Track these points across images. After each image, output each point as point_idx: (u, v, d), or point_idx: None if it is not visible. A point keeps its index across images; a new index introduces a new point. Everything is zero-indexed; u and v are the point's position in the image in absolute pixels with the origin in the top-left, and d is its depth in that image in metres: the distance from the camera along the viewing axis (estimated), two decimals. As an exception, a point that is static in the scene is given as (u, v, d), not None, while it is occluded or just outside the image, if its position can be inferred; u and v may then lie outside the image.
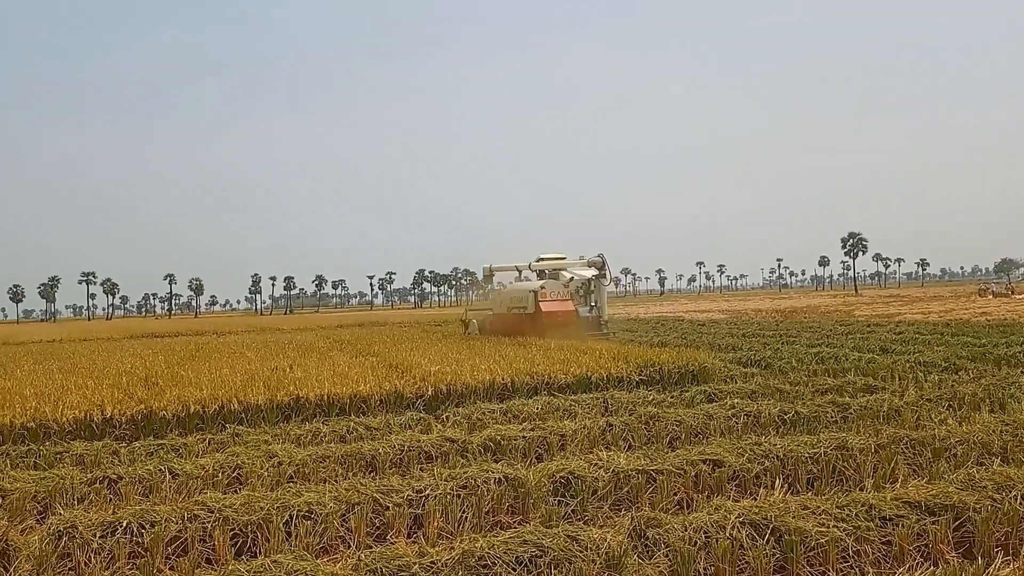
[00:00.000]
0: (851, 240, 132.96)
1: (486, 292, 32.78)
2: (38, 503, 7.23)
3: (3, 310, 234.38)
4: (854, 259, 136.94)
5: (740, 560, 5.27)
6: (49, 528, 6.04)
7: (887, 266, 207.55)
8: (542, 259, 28.65)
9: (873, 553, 5.46)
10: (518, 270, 29.57)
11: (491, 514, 6.56)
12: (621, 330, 32.83)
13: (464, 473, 7.10)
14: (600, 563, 5.10)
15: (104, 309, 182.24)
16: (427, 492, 6.68)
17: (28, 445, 9.70)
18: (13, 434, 10.09)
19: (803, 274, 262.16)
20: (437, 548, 5.35)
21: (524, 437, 9.01)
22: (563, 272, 27.50)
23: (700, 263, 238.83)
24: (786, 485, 7.08)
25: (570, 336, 22.23)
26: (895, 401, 10.54)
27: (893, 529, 5.61)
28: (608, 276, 27.13)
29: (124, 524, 6.02)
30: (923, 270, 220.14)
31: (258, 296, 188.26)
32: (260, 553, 5.79)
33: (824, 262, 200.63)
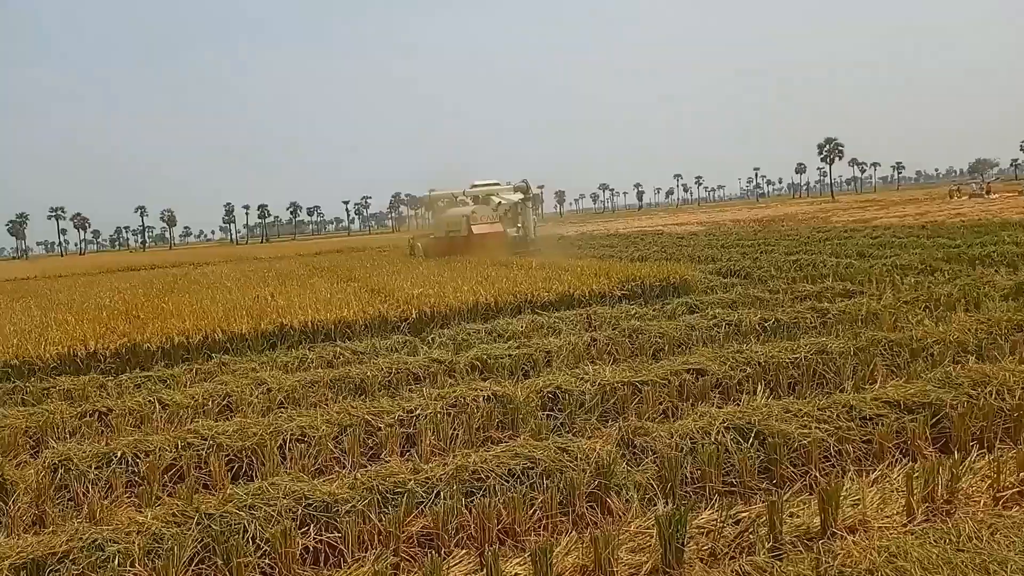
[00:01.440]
0: (827, 146, 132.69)
1: (427, 215, 36.42)
2: (30, 438, 7.25)
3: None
4: (830, 165, 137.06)
5: (726, 463, 5.42)
6: (44, 462, 6.09)
7: (863, 171, 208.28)
8: (475, 185, 32.61)
9: (854, 452, 5.63)
10: (454, 196, 33.15)
11: (481, 430, 6.66)
12: (600, 246, 32.94)
13: (453, 392, 7.20)
14: (590, 472, 5.23)
15: (76, 244, 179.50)
16: (417, 412, 6.77)
17: (13, 382, 9.68)
18: (-3, 372, 10.06)
19: (780, 183, 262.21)
20: (431, 464, 5.46)
21: (510, 355, 9.10)
22: (492, 197, 31.32)
23: (677, 175, 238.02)
24: (768, 391, 7.23)
25: (500, 254, 25.02)
26: (873, 305, 10.73)
27: (873, 428, 5.78)
28: (531, 200, 30.34)
29: (119, 455, 6.08)
30: (899, 174, 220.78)
31: (232, 226, 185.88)
32: (256, 477, 5.88)
33: (801, 169, 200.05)
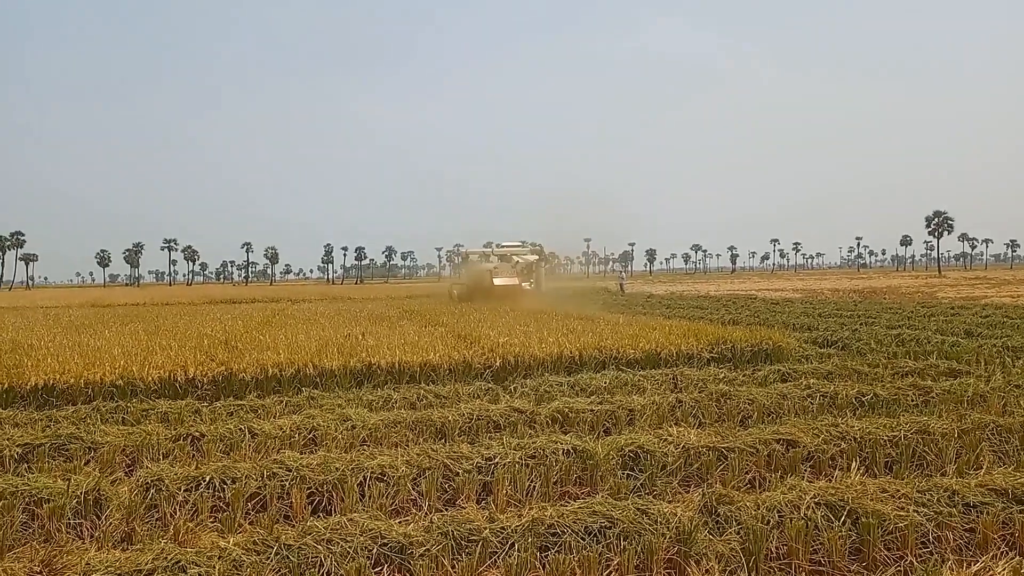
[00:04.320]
0: (936, 219, 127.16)
1: (461, 268, 45.54)
2: (126, 457, 7.58)
3: (91, 274, 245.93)
4: (939, 239, 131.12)
5: (814, 541, 5.17)
6: (137, 480, 6.34)
7: (974, 247, 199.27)
8: (502, 246, 40.94)
9: (955, 539, 5.28)
10: (484, 254, 40.93)
11: (559, 484, 6.58)
12: (689, 307, 32.43)
13: (532, 443, 7.14)
14: (670, 537, 5.07)
15: (184, 275, 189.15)
16: (496, 460, 6.74)
17: (117, 402, 10.16)
18: (103, 391, 10.60)
19: (883, 254, 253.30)
20: (506, 515, 5.41)
21: (592, 410, 8.99)
22: (514, 256, 39.01)
23: (774, 240, 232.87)
24: (863, 468, 6.89)
25: (513, 302, 30.33)
26: (980, 386, 10.13)
27: (977, 516, 5.42)
28: (545, 260, 38.81)
29: (207, 479, 6.27)
30: (1012, 252, 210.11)
31: (330, 266, 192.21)
32: (335, 511, 5.95)
33: (906, 241, 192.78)
